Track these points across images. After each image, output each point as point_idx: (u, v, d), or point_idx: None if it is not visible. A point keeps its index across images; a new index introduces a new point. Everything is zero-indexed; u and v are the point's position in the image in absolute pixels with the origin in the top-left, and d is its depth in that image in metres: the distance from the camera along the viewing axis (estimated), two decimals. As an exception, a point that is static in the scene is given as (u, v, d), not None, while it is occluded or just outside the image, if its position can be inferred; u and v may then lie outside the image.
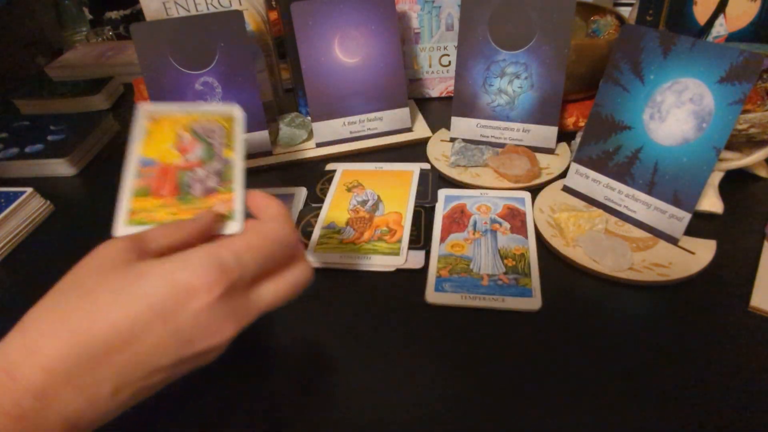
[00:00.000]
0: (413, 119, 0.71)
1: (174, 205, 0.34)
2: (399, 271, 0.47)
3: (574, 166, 0.54)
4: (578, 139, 0.57)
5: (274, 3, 0.78)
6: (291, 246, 0.32)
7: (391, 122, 0.68)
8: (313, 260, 0.49)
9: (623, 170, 0.50)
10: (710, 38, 0.64)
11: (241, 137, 0.36)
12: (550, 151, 0.61)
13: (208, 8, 0.65)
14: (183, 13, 0.65)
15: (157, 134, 0.35)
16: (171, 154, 0.35)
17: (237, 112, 0.37)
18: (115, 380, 0.26)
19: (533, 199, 0.54)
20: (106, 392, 0.26)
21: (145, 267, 0.27)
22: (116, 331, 0.25)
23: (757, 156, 0.51)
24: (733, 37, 0.63)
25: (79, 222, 0.58)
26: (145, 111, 0.36)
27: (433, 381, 0.38)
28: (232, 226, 0.33)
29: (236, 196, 0.34)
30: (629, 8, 0.74)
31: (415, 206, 0.55)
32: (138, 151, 0.34)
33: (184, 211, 0.34)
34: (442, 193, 0.57)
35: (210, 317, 0.27)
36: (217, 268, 0.27)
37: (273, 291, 0.31)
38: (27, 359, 0.25)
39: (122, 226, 0.33)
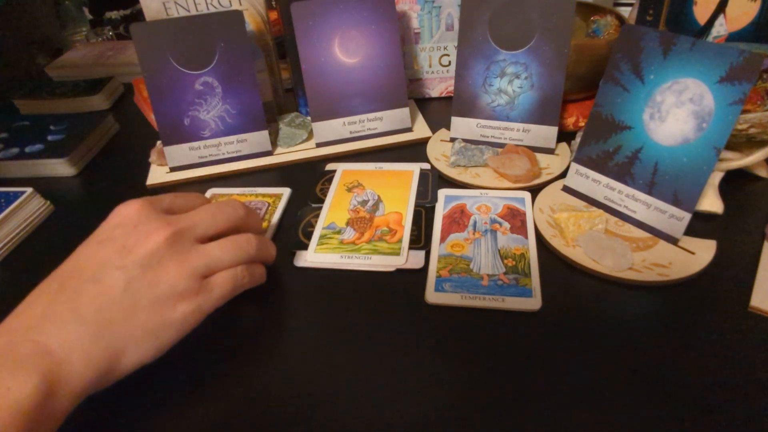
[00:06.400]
0: (413, 119, 0.71)
1: None
2: (399, 271, 0.47)
3: (574, 166, 0.54)
4: (578, 139, 0.57)
5: (274, 3, 0.78)
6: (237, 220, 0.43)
7: (391, 122, 0.68)
8: (313, 261, 0.49)
9: (623, 170, 0.50)
10: (710, 38, 0.64)
11: (279, 211, 0.56)
12: (550, 151, 0.61)
13: (208, 8, 0.65)
14: (183, 13, 0.65)
15: None
16: None
17: (285, 192, 0.58)
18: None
19: (533, 199, 0.54)
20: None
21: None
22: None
23: (757, 156, 0.51)
24: (733, 37, 0.63)
25: (79, 222, 0.58)
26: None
27: (433, 381, 0.38)
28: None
29: None
30: (629, 8, 0.74)
31: (416, 206, 0.55)
32: None
33: None
34: (442, 193, 0.57)
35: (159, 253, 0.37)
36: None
37: (217, 246, 0.40)
38: None
39: None
